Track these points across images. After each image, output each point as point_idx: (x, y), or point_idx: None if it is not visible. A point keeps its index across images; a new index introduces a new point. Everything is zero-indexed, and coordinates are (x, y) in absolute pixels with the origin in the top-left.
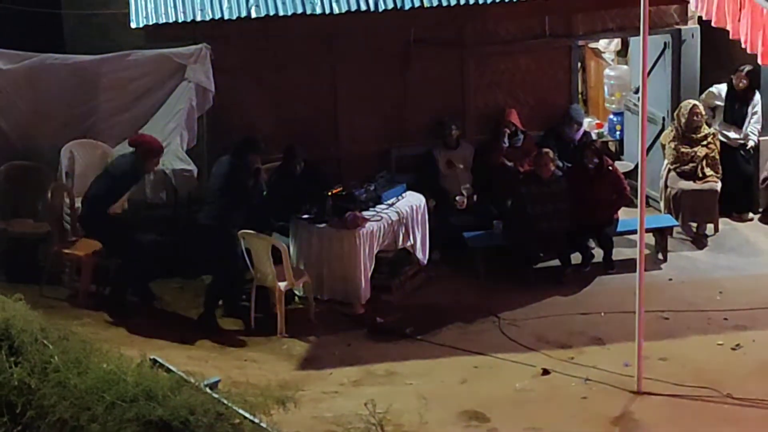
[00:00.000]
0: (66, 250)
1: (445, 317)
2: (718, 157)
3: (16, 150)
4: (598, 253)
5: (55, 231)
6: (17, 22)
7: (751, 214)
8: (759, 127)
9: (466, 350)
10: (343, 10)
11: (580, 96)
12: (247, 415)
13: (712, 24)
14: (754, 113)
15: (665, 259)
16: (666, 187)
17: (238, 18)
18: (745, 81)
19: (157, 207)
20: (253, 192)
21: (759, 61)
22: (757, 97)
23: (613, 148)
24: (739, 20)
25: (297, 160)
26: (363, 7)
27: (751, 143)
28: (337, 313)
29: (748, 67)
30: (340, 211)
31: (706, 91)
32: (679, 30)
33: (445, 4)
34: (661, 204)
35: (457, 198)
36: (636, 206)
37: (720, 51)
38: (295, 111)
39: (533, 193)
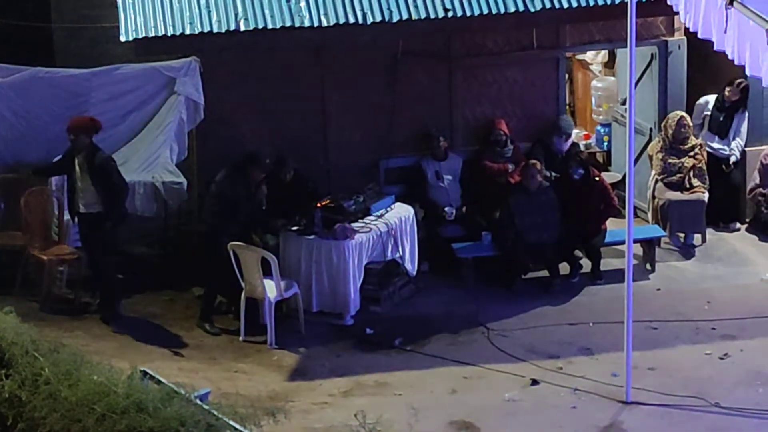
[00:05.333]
0: (33, 252)
1: (434, 328)
2: (705, 167)
3: (6, 163)
4: (586, 264)
5: (36, 238)
6: (7, 36)
7: (738, 224)
8: (743, 143)
9: (455, 361)
10: (332, 23)
11: (567, 107)
12: (237, 426)
13: (698, 35)
14: (740, 131)
15: (653, 270)
16: (653, 197)
17: (227, 31)
18: (738, 95)
19: (147, 220)
20: (250, 205)
21: (747, 72)
22: (746, 114)
23: (600, 159)
24: (725, 31)
25: (287, 169)
26: (351, 20)
27: (733, 158)
28: (327, 324)
29: (744, 82)
30: (329, 223)
31: (695, 106)
32: (666, 42)
33: (433, 16)
34: (649, 214)
35: (446, 209)
36: (624, 217)
37: (707, 62)
38: (284, 123)
39: (521, 204)
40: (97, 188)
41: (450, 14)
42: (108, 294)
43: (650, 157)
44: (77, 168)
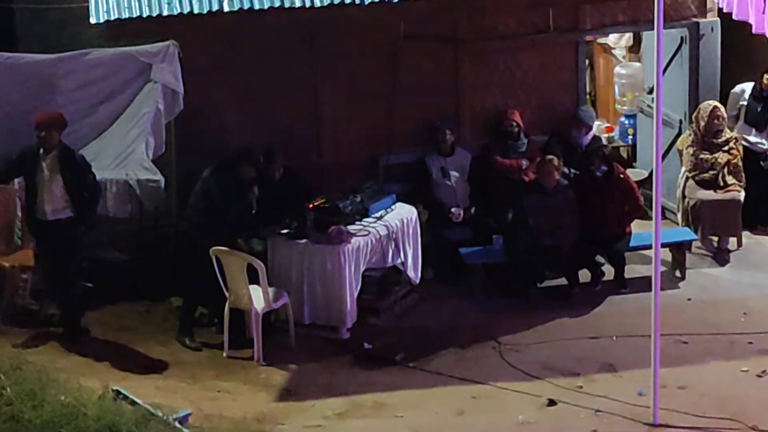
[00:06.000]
0: None
1: (439, 342)
2: (741, 163)
3: None
4: (609, 271)
5: None
6: None
7: None
8: None
9: (462, 379)
10: (326, 3)
11: (588, 97)
12: None
13: (733, 17)
14: None
15: (683, 277)
16: (684, 197)
17: (209, 12)
18: None
19: (120, 222)
20: (239, 206)
21: None
22: None
23: (624, 154)
24: (763, 12)
25: (276, 166)
26: (347, 0)
27: None
28: (320, 338)
29: None
30: (323, 226)
31: (730, 95)
32: (698, 23)
33: None
34: (679, 216)
35: (453, 210)
36: (650, 218)
37: (742, 47)
38: (273, 114)
39: (536, 204)
40: (70, 190)
41: None
42: (74, 310)
43: (680, 152)
44: (45, 169)
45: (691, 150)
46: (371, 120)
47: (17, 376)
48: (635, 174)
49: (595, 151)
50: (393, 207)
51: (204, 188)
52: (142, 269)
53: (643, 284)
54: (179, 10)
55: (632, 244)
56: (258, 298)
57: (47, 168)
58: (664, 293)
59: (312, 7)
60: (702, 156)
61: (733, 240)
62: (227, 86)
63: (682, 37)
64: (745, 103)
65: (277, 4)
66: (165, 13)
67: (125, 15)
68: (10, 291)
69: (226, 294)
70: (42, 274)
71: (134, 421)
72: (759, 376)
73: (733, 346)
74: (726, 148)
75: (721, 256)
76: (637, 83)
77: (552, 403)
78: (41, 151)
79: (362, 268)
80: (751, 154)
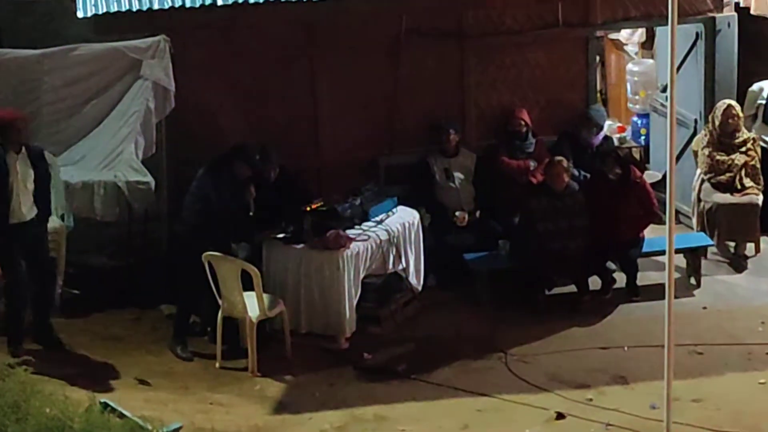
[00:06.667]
0: None
1: (443, 352)
2: (759, 165)
3: None
4: (621, 278)
5: None
6: None
7: None
8: None
9: (467, 391)
10: None
11: (599, 95)
12: None
13: (751, 11)
14: None
15: (698, 284)
16: (699, 200)
17: (202, 6)
18: None
19: (108, 225)
20: (235, 206)
21: None
22: None
23: (637, 155)
24: None
25: (271, 165)
26: None
27: None
28: (318, 348)
29: None
30: (321, 230)
31: (747, 93)
32: (714, 18)
33: None
34: (694, 220)
35: (457, 213)
36: (664, 223)
37: (761, 43)
38: (269, 113)
39: (545, 207)
40: (37, 188)
41: None
42: (49, 313)
43: (695, 154)
44: (18, 168)
45: (706, 151)
46: (372, 119)
47: (0, 388)
48: (648, 176)
49: (610, 152)
50: (394, 210)
51: (199, 188)
52: (131, 275)
53: (656, 292)
54: (170, 4)
55: (645, 249)
56: (252, 305)
57: (20, 168)
58: (678, 301)
59: (310, 0)
60: (718, 157)
61: (750, 245)
62: (221, 83)
63: (697, 33)
64: (764, 101)
65: None
66: (155, 6)
67: (114, 9)
68: None
69: (219, 301)
70: (13, 280)
71: None
72: None
73: (750, 356)
74: (743, 149)
75: (738, 263)
76: (650, 81)
77: (560, 416)
78: (9, 151)
79: (362, 275)
80: None
